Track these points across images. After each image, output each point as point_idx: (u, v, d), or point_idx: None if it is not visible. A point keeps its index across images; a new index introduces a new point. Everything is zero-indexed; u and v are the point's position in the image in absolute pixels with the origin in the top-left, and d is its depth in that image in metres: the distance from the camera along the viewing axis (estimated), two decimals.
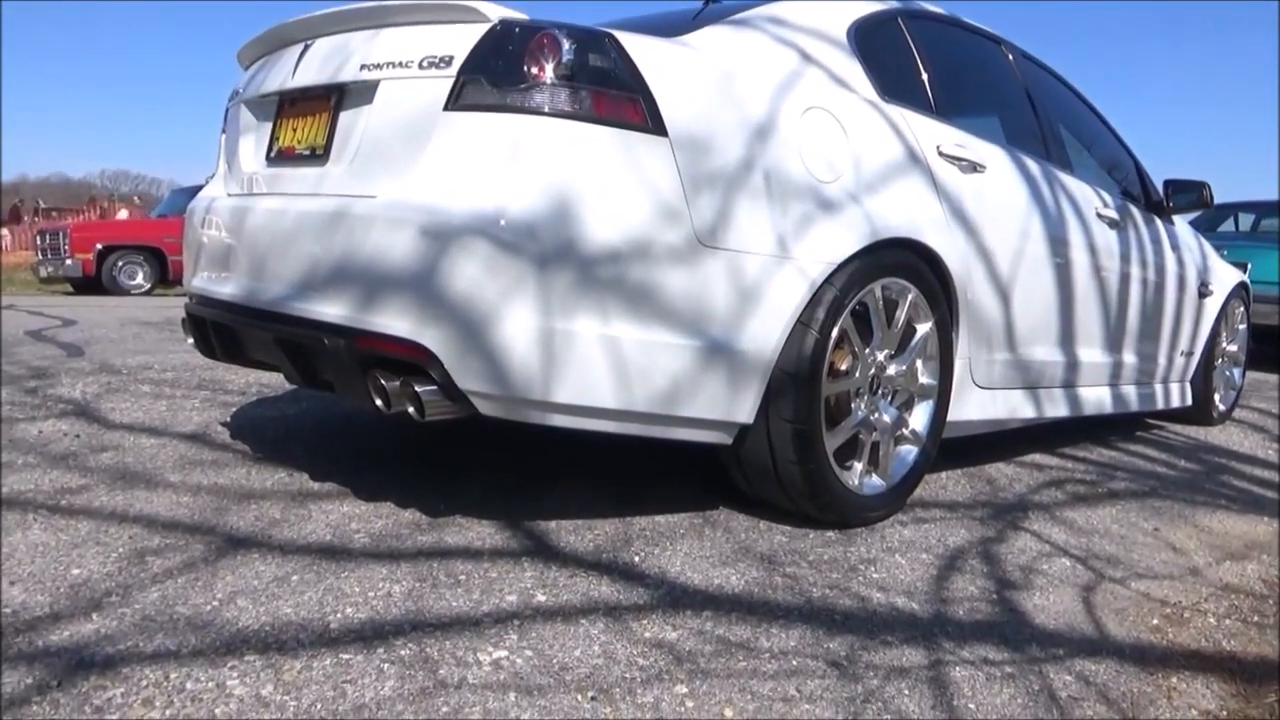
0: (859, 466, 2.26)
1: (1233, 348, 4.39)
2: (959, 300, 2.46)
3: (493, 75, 1.80)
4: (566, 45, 1.81)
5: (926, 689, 1.48)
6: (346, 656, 1.44)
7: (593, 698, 1.37)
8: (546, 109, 1.78)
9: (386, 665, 1.42)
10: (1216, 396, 4.27)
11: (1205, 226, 8.35)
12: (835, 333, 2.11)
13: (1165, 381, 3.83)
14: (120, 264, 12.26)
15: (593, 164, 1.79)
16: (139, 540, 1.88)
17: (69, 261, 12.01)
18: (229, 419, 3.01)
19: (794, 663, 1.53)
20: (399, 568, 1.81)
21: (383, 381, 1.83)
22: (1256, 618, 1.91)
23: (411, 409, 1.83)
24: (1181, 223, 3.92)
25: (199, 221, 2.40)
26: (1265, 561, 2.30)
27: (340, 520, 2.07)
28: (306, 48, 2.18)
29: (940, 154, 2.44)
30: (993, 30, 3.11)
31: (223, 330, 2.24)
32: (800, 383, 2.05)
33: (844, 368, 2.22)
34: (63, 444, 2.60)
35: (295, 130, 2.19)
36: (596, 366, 1.82)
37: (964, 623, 1.76)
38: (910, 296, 2.32)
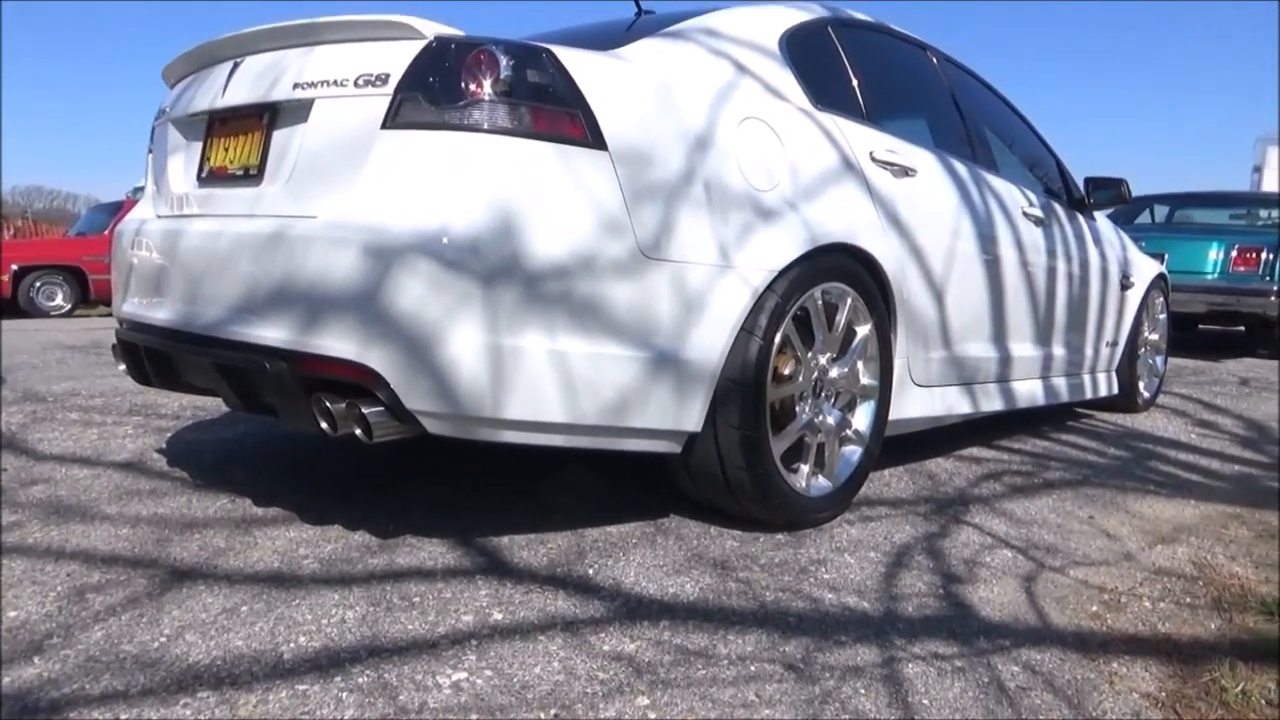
0: (805, 469, 2.30)
1: (1154, 336, 4.56)
2: (896, 302, 2.52)
3: (430, 93, 1.79)
4: (504, 61, 1.81)
5: (881, 687, 1.51)
6: (303, 687, 1.42)
7: (555, 715, 1.37)
8: (486, 126, 1.77)
9: (345, 694, 1.40)
10: (1141, 384, 4.43)
11: (1123, 220, 8.66)
12: (778, 339, 2.14)
13: (1093, 372, 3.96)
14: (38, 284, 11.84)
15: (534, 180, 1.79)
16: (78, 577, 1.82)
17: None
18: (164, 445, 2.94)
19: (752, 668, 1.55)
20: (351, 592, 1.79)
21: (328, 404, 1.81)
22: (1189, 599, 1.99)
23: (359, 431, 1.81)
24: (1102, 218, 4.06)
25: (128, 244, 2.33)
26: (1194, 544, 2.39)
27: (287, 546, 2.03)
28: (236, 65, 2.14)
29: (873, 159, 2.49)
30: (918, 36, 3.19)
31: (157, 356, 2.18)
32: (746, 389, 2.07)
33: (788, 372, 2.25)
34: None
35: (227, 150, 2.15)
36: (545, 381, 1.82)
37: (913, 619, 1.80)
38: (850, 300, 2.36)
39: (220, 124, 2.19)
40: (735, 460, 2.10)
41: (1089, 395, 3.93)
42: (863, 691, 1.49)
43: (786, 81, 2.37)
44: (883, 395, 2.53)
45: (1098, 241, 3.83)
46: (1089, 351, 3.84)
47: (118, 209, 13.09)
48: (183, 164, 2.32)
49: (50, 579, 1.81)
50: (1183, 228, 7.73)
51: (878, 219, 2.46)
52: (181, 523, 2.17)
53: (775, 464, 2.17)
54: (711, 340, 2.02)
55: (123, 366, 2.42)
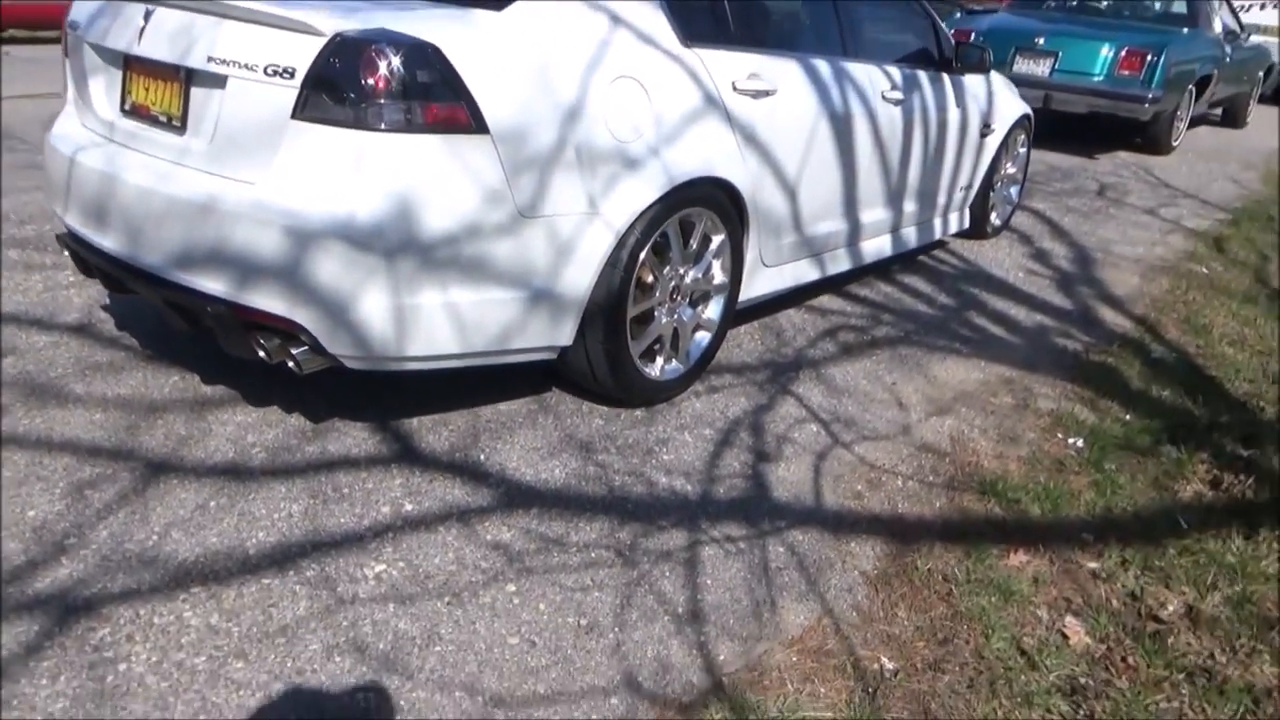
0: (660, 360, 2.84)
1: (1012, 170, 5.05)
2: (749, 211, 2.95)
3: (332, 90, 2.08)
4: (395, 61, 2.08)
5: (681, 570, 2.16)
6: (267, 581, 1.99)
7: (448, 602, 1.98)
8: (383, 125, 2.09)
9: (298, 587, 1.99)
10: (994, 214, 4.99)
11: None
12: (638, 267, 2.60)
13: (945, 215, 4.47)
14: None
15: (426, 168, 2.14)
16: (73, 471, 2.31)
17: None
18: (107, 301, 3.30)
19: (592, 554, 2.18)
20: (294, 485, 2.33)
21: (263, 341, 2.25)
22: (932, 478, 2.67)
23: (290, 364, 2.27)
24: (971, 75, 4.37)
25: (65, 159, 2.57)
26: (962, 415, 3.06)
27: (237, 432, 2.53)
28: (149, 14, 2.33)
29: (735, 89, 2.82)
30: None
31: (105, 274, 2.54)
32: (608, 311, 2.55)
33: (650, 283, 2.73)
34: None
35: (148, 91, 2.39)
36: (440, 326, 2.28)
37: (721, 501, 2.44)
38: (705, 219, 2.80)
39: (138, 64, 2.40)
40: (600, 365, 2.63)
41: (939, 236, 4.47)
42: (667, 575, 2.14)
43: (658, 24, 2.63)
44: (732, 289, 3.03)
45: (960, 100, 4.19)
46: (941, 199, 4.33)
47: None
48: (103, 88, 2.54)
49: (51, 474, 2.30)
50: (1087, 23, 7.91)
51: (735, 145, 2.83)
52: (143, 405, 2.63)
53: (634, 362, 2.70)
54: (580, 276, 2.47)
55: (68, 257, 2.75)
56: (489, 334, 2.37)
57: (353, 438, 2.56)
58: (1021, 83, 7.42)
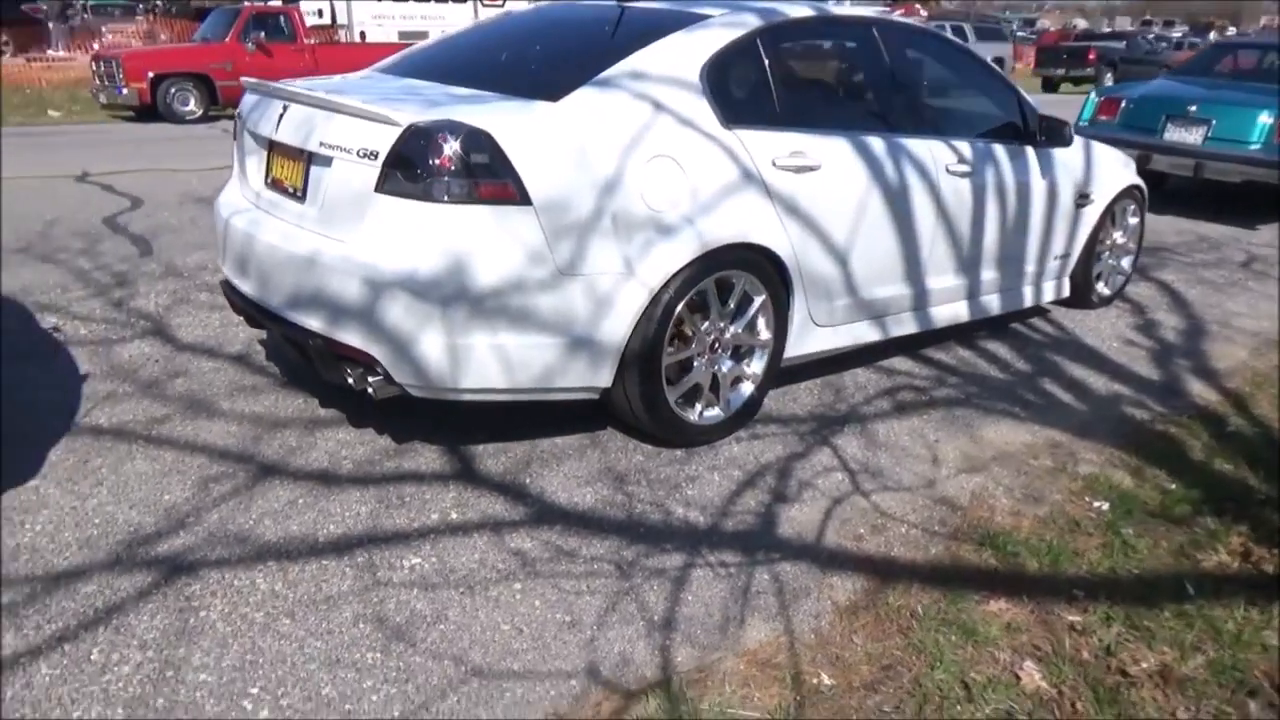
0: (699, 406, 3.16)
1: (1122, 239, 5.02)
2: (793, 274, 3.24)
3: (405, 169, 2.59)
4: (455, 146, 2.57)
5: (669, 585, 2.45)
6: (325, 562, 2.46)
7: (462, 592, 2.38)
8: (443, 198, 2.57)
9: (348, 569, 2.44)
10: (1100, 284, 4.97)
11: (1201, 69, 8.48)
12: (673, 321, 2.94)
13: (1037, 283, 4.53)
14: (173, 91, 13.04)
15: (477, 234, 2.60)
16: (204, 469, 2.90)
17: (125, 90, 12.81)
18: (265, 338, 3.98)
19: (595, 566, 2.52)
20: (368, 491, 2.81)
21: (348, 370, 2.77)
22: (938, 527, 2.83)
23: (370, 390, 2.77)
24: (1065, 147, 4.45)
25: (224, 221, 3.23)
26: (994, 474, 3.17)
27: (335, 447, 3.06)
28: (285, 108, 2.95)
29: (775, 165, 3.14)
30: (868, 13, 3.65)
31: (245, 314, 3.17)
32: (643, 359, 2.91)
33: (688, 335, 3.07)
34: (148, 370, 3.61)
35: (283, 169, 3.00)
36: (489, 364, 2.72)
37: (726, 532, 2.71)
38: (743, 281, 3.11)
39: (277, 147, 3.02)
40: (638, 406, 2.99)
41: (1029, 303, 4.53)
42: (655, 588, 2.44)
43: (700, 109, 3.01)
44: (776, 345, 3.31)
45: (1046, 171, 4.28)
46: (1030, 268, 4.41)
47: (235, 16, 13.94)
48: (256, 165, 3.19)
49: (189, 469, 2.90)
50: (1246, 88, 7.59)
51: (775, 214, 3.14)
52: (270, 421, 3.22)
53: (670, 406, 3.04)
54: (617, 326, 2.85)
55: (225, 299, 3.41)
56: (533, 372, 2.79)
57: (425, 457, 3.03)
58: (1173, 152, 7.31)
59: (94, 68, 13.66)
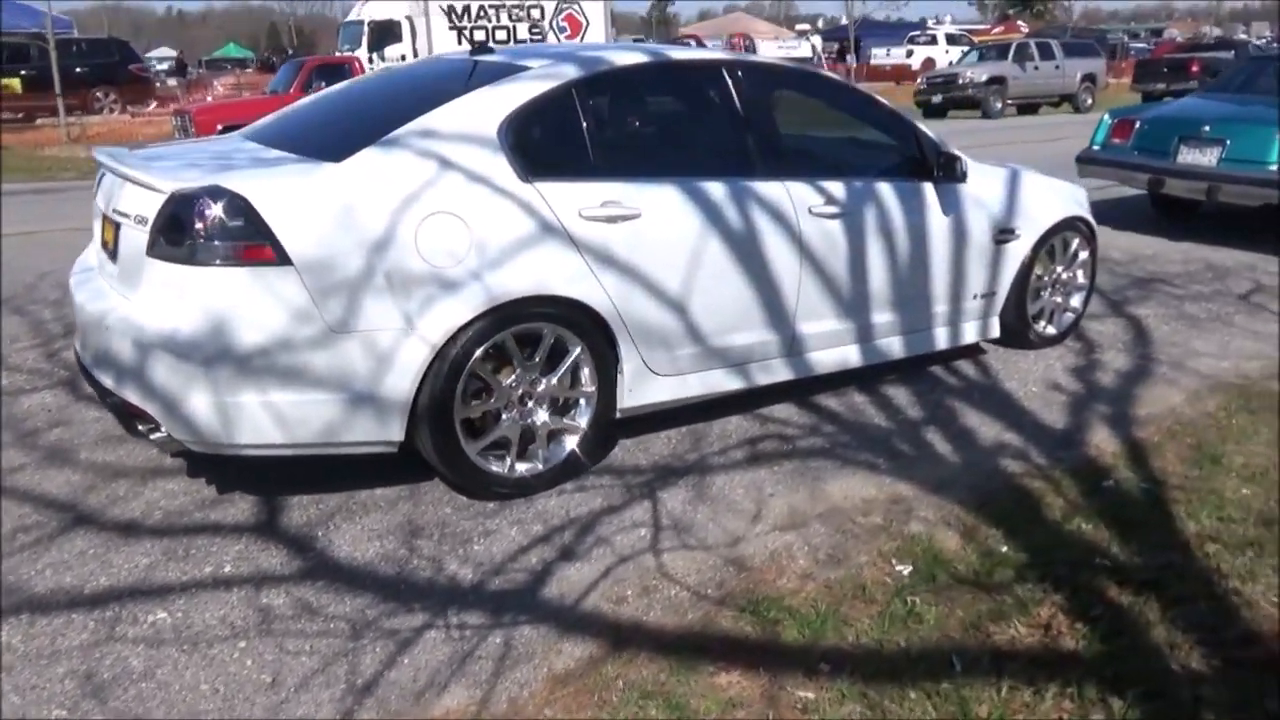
0: (509, 459, 3.13)
1: (1066, 275, 4.73)
2: (614, 324, 3.18)
3: (170, 234, 2.69)
4: (214, 211, 2.65)
5: (391, 648, 2.43)
6: (75, 616, 2.55)
7: (184, 650, 2.42)
8: (205, 260, 2.66)
9: (92, 622, 2.52)
10: (1042, 323, 4.69)
11: (1237, 85, 7.94)
12: (466, 375, 2.94)
13: (954, 324, 4.30)
14: None
15: (238, 295, 2.67)
16: (24, 518, 3.04)
17: None
18: None
19: (332, 625, 2.52)
20: (159, 543, 2.90)
21: (139, 426, 2.87)
22: (710, 591, 2.70)
23: (157, 445, 2.86)
24: (979, 180, 4.24)
25: (74, 288, 3.40)
26: (809, 532, 3.02)
27: (158, 497, 3.17)
28: (102, 175, 3.11)
29: (581, 216, 3.10)
30: (725, 55, 3.58)
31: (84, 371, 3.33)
32: (433, 414, 2.92)
33: (491, 390, 3.05)
34: (35, 420, 3.82)
35: (107, 231, 3.16)
36: (263, 421, 2.77)
37: (487, 592, 2.67)
38: (549, 333, 3.08)
39: (104, 212, 3.18)
40: (434, 460, 2.99)
41: (945, 345, 4.31)
42: (375, 650, 2.42)
43: (495, 164, 3.01)
44: (603, 397, 3.25)
45: (951, 207, 4.08)
46: (940, 309, 4.19)
47: (300, 67, 14.70)
48: (98, 228, 3.36)
49: (9, 519, 3.04)
50: (1263, 104, 7.05)
51: (584, 266, 3.10)
52: (113, 470, 3.36)
53: (470, 461, 3.02)
54: (399, 382, 2.86)
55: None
56: (313, 428, 2.83)
57: (236, 508, 3.10)
58: (1186, 175, 6.87)
59: (174, 121, 14.65)
